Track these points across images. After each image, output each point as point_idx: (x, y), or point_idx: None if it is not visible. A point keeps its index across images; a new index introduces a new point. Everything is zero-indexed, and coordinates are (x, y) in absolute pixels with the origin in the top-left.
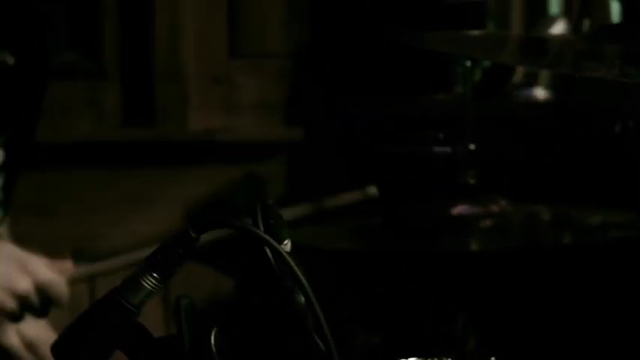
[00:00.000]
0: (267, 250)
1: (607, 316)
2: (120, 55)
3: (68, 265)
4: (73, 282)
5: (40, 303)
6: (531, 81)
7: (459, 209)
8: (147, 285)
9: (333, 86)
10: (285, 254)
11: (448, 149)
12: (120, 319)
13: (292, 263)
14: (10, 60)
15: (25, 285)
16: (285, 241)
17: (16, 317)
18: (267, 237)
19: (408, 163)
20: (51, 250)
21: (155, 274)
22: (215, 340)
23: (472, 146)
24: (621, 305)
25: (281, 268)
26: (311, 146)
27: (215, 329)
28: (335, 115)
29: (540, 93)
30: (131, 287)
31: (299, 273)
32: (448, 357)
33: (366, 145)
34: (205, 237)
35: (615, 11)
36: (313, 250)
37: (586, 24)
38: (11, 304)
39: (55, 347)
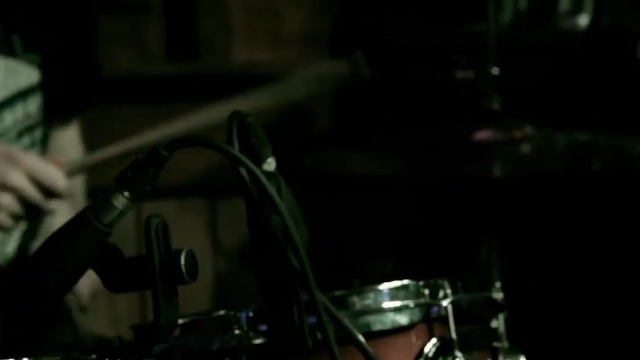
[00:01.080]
0: (241, 169)
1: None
2: None
3: (63, 158)
4: (70, 173)
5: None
6: (576, 8)
7: (481, 134)
8: (118, 204)
9: (377, 18)
10: (255, 170)
11: (471, 73)
12: (92, 238)
13: (264, 180)
14: None
15: (17, 177)
16: (269, 159)
17: (17, 216)
18: (238, 153)
19: (432, 88)
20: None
21: (126, 193)
22: (184, 261)
23: (496, 71)
24: None
25: (258, 188)
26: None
27: (186, 249)
28: (379, 46)
29: (584, 20)
30: (102, 206)
31: (271, 190)
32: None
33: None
34: None
35: None
36: (331, 175)
37: None
38: (6, 199)
39: (28, 264)
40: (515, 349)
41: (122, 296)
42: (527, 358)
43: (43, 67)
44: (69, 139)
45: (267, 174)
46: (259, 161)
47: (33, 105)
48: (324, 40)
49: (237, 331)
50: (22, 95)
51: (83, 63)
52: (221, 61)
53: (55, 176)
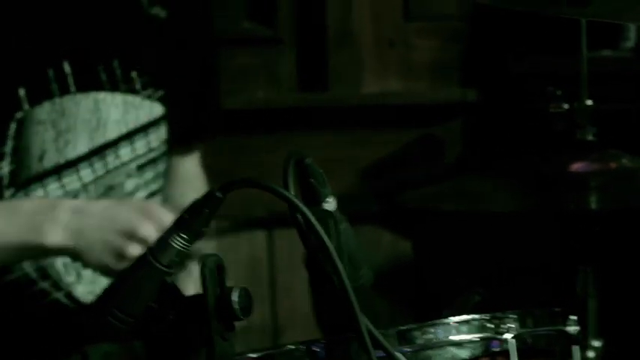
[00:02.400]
0: (294, 211)
1: None
2: (294, 21)
3: None
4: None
5: None
6: None
7: (577, 166)
8: (176, 245)
9: (506, 47)
10: (307, 213)
11: (565, 105)
12: (151, 278)
13: (315, 222)
14: (162, 13)
15: (148, 229)
16: (329, 199)
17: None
18: (291, 195)
19: (528, 120)
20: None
21: (183, 234)
22: (238, 298)
23: (590, 102)
24: None
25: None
26: (486, 107)
27: (238, 288)
28: (507, 75)
29: None
30: (161, 248)
31: (322, 232)
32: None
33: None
34: None
35: None
36: (421, 210)
37: None
38: (135, 249)
39: (94, 304)
40: None
41: (257, 322)
42: None
43: (165, 102)
44: (190, 168)
45: (326, 213)
46: (319, 201)
47: (155, 139)
48: (454, 70)
49: None
50: (142, 130)
51: (205, 96)
52: (351, 92)
53: None
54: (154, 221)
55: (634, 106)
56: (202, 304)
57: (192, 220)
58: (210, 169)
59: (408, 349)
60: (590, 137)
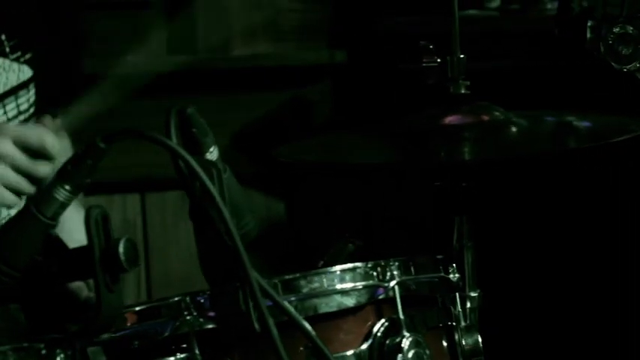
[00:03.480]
0: (176, 158)
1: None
2: None
3: (48, 121)
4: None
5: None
6: None
7: (450, 119)
8: (59, 197)
9: (373, 8)
10: (190, 161)
11: (437, 59)
12: (35, 230)
13: (199, 170)
14: None
15: (4, 145)
16: (211, 149)
17: (15, 188)
18: (174, 144)
19: (398, 78)
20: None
21: (66, 186)
22: (124, 249)
23: (462, 56)
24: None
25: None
26: (355, 68)
27: (124, 238)
28: (374, 35)
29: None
30: (44, 199)
31: (206, 180)
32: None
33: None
34: None
35: None
36: (294, 164)
37: None
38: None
39: None
40: (472, 328)
41: (130, 284)
42: (499, 338)
43: (33, 64)
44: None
45: (210, 163)
46: (202, 151)
47: (24, 101)
48: (322, 31)
49: (188, 317)
50: (12, 92)
51: (70, 60)
52: (220, 55)
53: (43, 136)
54: (8, 136)
55: (502, 63)
56: (88, 256)
57: (75, 172)
58: (75, 134)
59: (294, 298)
60: (463, 90)
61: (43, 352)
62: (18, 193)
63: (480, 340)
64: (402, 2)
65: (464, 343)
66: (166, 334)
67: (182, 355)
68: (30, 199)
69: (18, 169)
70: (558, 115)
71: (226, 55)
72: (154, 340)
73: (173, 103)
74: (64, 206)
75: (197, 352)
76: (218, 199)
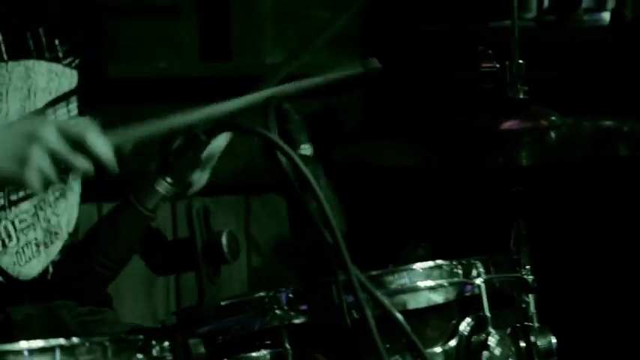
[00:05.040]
0: (278, 153)
1: None
2: None
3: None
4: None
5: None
6: (600, 5)
7: (508, 124)
8: (160, 189)
9: (406, 18)
10: (292, 154)
11: (496, 64)
12: (136, 222)
13: (300, 163)
14: None
15: (46, 130)
16: (305, 145)
17: (47, 177)
18: (276, 138)
19: (459, 81)
20: None
21: (168, 179)
22: (226, 241)
23: (521, 61)
24: None
25: (294, 171)
26: (387, 76)
27: (226, 231)
28: (408, 45)
29: (607, 16)
30: (145, 191)
31: (308, 173)
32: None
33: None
34: None
35: None
36: (363, 166)
37: None
38: (32, 150)
39: (75, 249)
40: (545, 329)
41: (160, 290)
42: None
43: (81, 70)
44: None
45: (305, 158)
46: (295, 147)
47: (73, 107)
48: (354, 40)
49: (278, 312)
50: (65, 98)
51: (102, 65)
52: (254, 62)
53: (86, 130)
54: (53, 125)
55: (539, 73)
56: (190, 248)
57: (176, 164)
58: None
59: (383, 293)
60: (521, 95)
61: (140, 343)
62: (47, 184)
63: (553, 341)
64: (433, 11)
65: (539, 343)
66: (256, 328)
67: (272, 349)
68: (131, 191)
69: (54, 157)
70: (613, 121)
71: (259, 62)
72: (244, 334)
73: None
74: (164, 199)
75: (287, 346)
76: (318, 192)
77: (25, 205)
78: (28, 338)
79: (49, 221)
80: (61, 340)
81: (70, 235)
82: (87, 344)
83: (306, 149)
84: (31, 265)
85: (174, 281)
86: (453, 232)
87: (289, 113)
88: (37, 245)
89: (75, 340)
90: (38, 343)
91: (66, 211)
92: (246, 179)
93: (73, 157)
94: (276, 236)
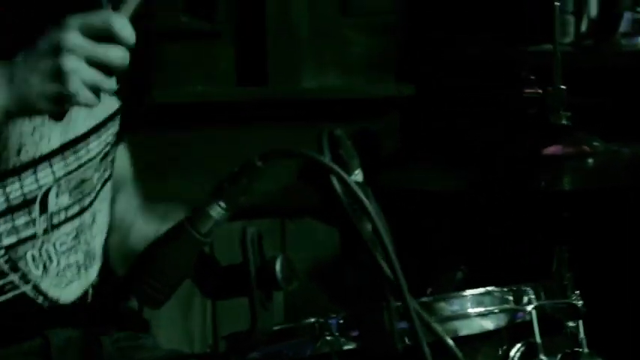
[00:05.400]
0: (333, 178)
1: None
2: (233, 15)
3: None
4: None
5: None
6: (637, 29)
7: (551, 149)
8: (214, 214)
9: (442, 41)
10: (348, 180)
11: (539, 90)
12: (189, 247)
13: (356, 189)
14: None
15: (71, 36)
16: (356, 171)
17: (91, 83)
18: (332, 164)
19: (500, 105)
20: None
21: (222, 204)
22: (280, 267)
23: (563, 87)
24: None
25: (349, 197)
26: (423, 101)
27: (280, 256)
28: (444, 68)
29: None
30: (199, 216)
31: (364, 199)
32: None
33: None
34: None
35: None
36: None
37: None
38: (66, 60)
39: (127, 278)
40: (594, 355)
41: (196, 313)
42: None
43: (120, 95)
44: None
45: (360, 184)
46: (348, 172)
47: (112, 132)
48: (390, 64)
49: (328, 337)
50: (105, 123)
51: (142, 90)
52: (290, 87)
53: (108, 18)
54: (72, 27)
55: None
56: (243, 273)
57: (230, 189)
58: (146, 163)
59: (434, 320)
60: (564, 121)
61: None
62: (96, 89)
63: None
64: (469, 34)
65: None
66: (307, 354)
67: None
68: (186, 217)
69: (91, 60)
70: None
71: (295, 86)
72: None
73: (243, 133)
74: (218, 224)
75: None
76: (375, 217)
77: (66, 228)
78: None
79: (88, 244)
80: None
81: (103, 257)
82: None
83: (358, 175)
84: (72, 288)
85: (210, 306)
86: (494, 257)
87: (342, 139)
88: (78, 268)
89: None
90: None
91: (98, 234)
92: (282, 202)
93: (105, 50)
94: (312, 260)
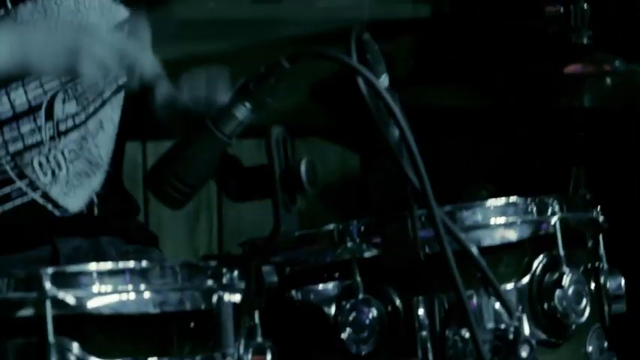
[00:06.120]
0: (360, 81)
1: None
2: None
3: None
4: None
5: None
6: None
7: (572, 68)
8: (239, 115)
9: None
10: (376, 83)
11: (560, 8)
12: (212, 147)
13: (384, 93)
14: None
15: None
16: (383, 76)
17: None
18: (359, 66)
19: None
20: None
21: (247, 104)
22: (305, 169)
23: (586, 5)
24: None
25: (374, 101)
26: (439, 23)
27: (305, 159)
28: None
29: None
30: (223, 117)
31: (391, 103)
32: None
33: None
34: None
35: None
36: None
37: None
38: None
39: (149, 175)
40: (615, 270)
41: (202, 230)
42: None
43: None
44: None
45: (387, 88)
46: (376, 77)
47: None
48: None
49: (349, 244)
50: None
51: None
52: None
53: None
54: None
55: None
56: (268, 175)
57: (256, 90)
58: None
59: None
60: (585, 40)
61: (210, 270)
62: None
63: (622, 283)
64: None
65: (608, 285)
66: (328, 260)
67: (343, 282)
68: (208, 116)
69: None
70: None
71: (309, 5)
72: (314, 266)
73: (255, 50)
74: (242, 125)
75: (358, 279)
76: (402, 120)
77: (73, 135)
78: None
79: (90, 152)
80: (131, 264)
81: (110, 167)
82: (157, 268)
83: (384, 80)
84: (77, 194)
85: (216, 222)
86: (514, 175)
87: (369, 43)
88: (80, 175)
89: (145, 264)
90: (107, 266)
91: (105, 143)
92: (291, 120)
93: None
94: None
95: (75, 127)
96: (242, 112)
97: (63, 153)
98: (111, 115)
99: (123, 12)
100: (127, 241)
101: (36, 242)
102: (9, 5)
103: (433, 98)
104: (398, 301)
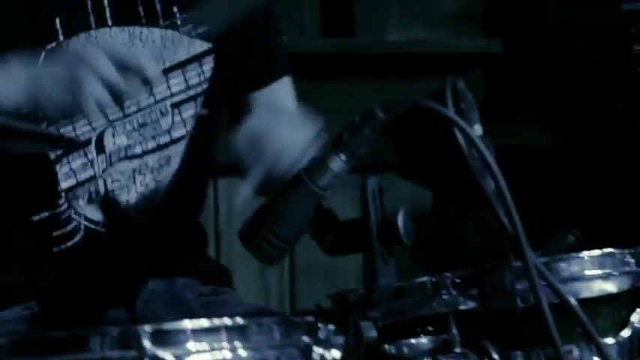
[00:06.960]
0: (456, 130)
1: None
2: None
3: None
4: None
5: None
6: None
7: None
8: (333, 167)
9: None
10: (471, 134)
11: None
12: (307, 201)
13: (479, 143)
14: None
15: (95, 56)
16: (476, 125)
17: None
18: (455, 116)
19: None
20: None
21: (342, 156)
22: (403, 222)
23: None
24: None
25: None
26: (510, 58)
27: (402, 210)
28: (542, 25)
29: None
30: (317, 169)
31: (487, 153)
32: None
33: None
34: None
35: None
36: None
37: None
38: (92, 83)
39: (243, 232)
40: None
41: (273, 269)
42: None
43: (210, 38)
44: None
45: (482, 137)
46: (470, 126)
47: (194, 76)
48: (479, 19)
49: (445, 297)
50: (178, 67)
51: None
52: (376, 40)
53: (141, 59)
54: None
55: None
56: (364, 228)
57: (351, 141)
58: None
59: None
60: None
61: (306, 325)
62: (102, 107)
63: None
64: None
65: None
66: (424, 312)
67: (437, 335)
68: (303, 169)
69: (107, 83)
70: None
71: (382, 39)
72: (410, 319)
73: (328, 85)
74: (337, 177)
75: (454, 331)
76: (497, 173)
77: (121, 166)
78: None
79: (146, 186)
80: (227, 321)
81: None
82: (254, 325)
83: (478, 129)
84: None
85: (288, 262)
86: (598, 221)
87: (463, 91)
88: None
89: (240, 320)
90: (203, 323)
91: (168, 179)
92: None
93: (122, 81)
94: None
95: (126, 158)
96: (337, 163)
97: (105, 181)
98: (176, 151)
99: (195, 44)
100: (201, 282)
101: (113, 295)
102: (61, 37)
103: (505, 136)
104: (495, 356)
